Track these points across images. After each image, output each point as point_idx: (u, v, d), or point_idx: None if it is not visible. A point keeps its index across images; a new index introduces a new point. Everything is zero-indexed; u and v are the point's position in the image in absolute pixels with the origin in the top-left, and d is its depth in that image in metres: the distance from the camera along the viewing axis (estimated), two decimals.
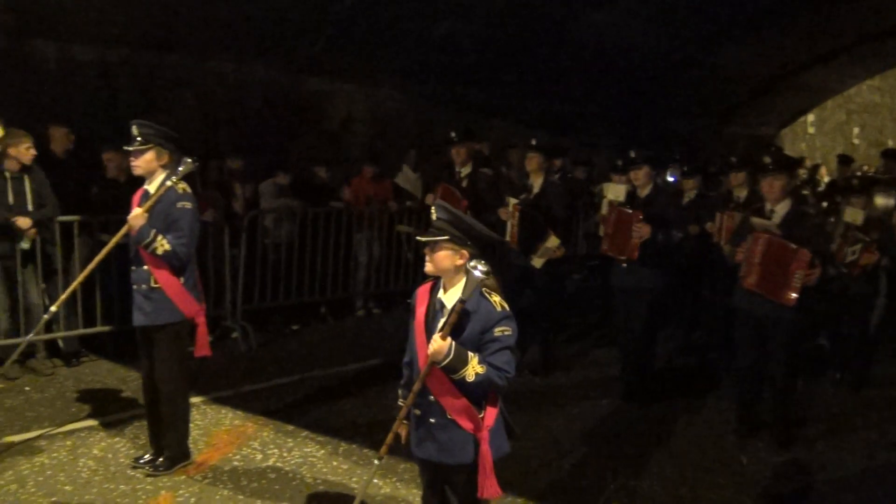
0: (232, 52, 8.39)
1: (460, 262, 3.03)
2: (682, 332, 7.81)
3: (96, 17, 7.31)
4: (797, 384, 5.39)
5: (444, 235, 3.01)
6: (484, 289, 3.04)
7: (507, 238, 6.42)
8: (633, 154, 6.02)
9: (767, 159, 5.11)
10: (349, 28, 8.48)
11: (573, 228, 9.80)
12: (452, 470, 3.09)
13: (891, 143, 19.36)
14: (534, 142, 6.49)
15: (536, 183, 6.46)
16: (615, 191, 6.13)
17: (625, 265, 5.79)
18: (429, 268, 3.11)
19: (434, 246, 3.04)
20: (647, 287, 5.75)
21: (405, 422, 3.18)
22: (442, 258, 3.04)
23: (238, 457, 4.71)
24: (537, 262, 6.29)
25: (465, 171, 6.89)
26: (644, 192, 5.89)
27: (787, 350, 5.07)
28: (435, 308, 3.13)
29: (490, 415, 3.10)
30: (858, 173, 12.18)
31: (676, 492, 4.52)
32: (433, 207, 3.10)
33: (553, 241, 6.22)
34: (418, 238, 3.13)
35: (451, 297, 3.06)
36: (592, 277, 9.70)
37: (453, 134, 6.92)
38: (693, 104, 13.65)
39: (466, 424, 3.04)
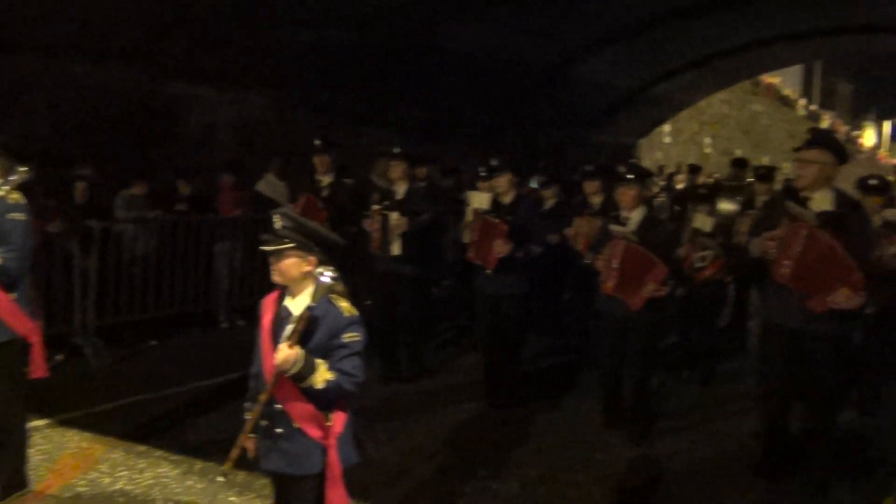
0: (85, 52, 7.96)
1: (308, 269, 3.00)
2: (546, 336, 8.05)
3: None
4: (651, 382, 5.65)
5: (289, 243, 2.97)
6: (332, 295, 3.02)
7: (371, 245, 6.44)
8: (494, 162, 6.15)
9: (622, 169, 5.34)
10: (212, 31, 8.24)
11: (442, 236, 9.93)
12: (300, 481, 3.03)
13: (739, 153, 20.74)
14: (397, 149, 6.52)
15: (400, 190, 6.49)
16: (479, 199, 6.21)
17: (488, 272, 5.90)
18: (276, 277, 3.06)
19: (279, 254, 3.00)
20: (508, 293, 5.88)
21: (252, 435, 3.11)
22: (289, 266, 3.00)
23: (84, 482, 4.44)
24: (395, 247, 6.30)
25: (327, 180, 6.82)
26: (507, 199, 6.01)
27: (643, 350, 5.32)
28: (281, 316, 3.08)
29: (339, 422, 3.07)
30: (710, 181, 12.99)
31: (535, 491, 4.62)
32: (275, 215, 3.05)
33: (393, 217, 6.24)
34: (262, 248, 3.06)
35: (298, 304, 3.01)
36: (460, 284, 9.81)
37: (317, 142, 6.84)
38: (558, 113, 14.13)
39: (314, 433, 3.00)
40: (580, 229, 6.74)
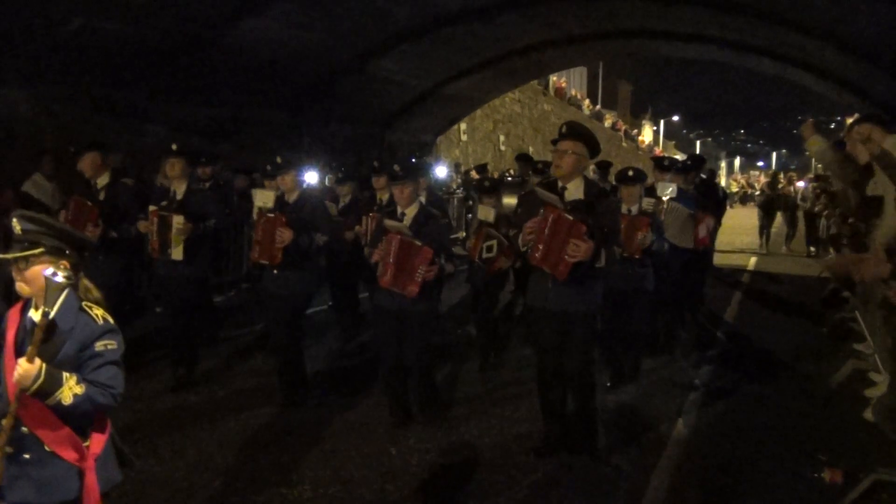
0: None
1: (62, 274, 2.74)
2: (345, 333, 8.01)
3: None
4: (433, 371, 5.77)
5: (37, 248, 2.71)
6: (84, 302, 2.80)
7: (150, 248, 6.10)
8: (279, 159, 6.01)
9: (397, 167, 5.40)
10: None
11: (230, 237, 9.62)
12: None
13: (531, 150, 21.84)
14: (175, 147, 6.20)
15: (180, 189, 6.19)
16: (263, 197, 6.05)
17: (275, 271, 5.76)
18: (24, 289, 2.77)
19: (26, 261, 2.72)
20: (295, 291, 5.78)
21: None
22: (39, 274, 2.72)
23: None
24: (176, 252, 6.00)
25: (103, 181, 6.34)
26: (291, 197, 5.90)
27: (423, 339, 5.43)
28: (26, 328, 2.80)
29: (97, 442, 2.84)
30: (509, 177, 13.49)
31: (328, 492, 4.55)
32: (14, 218, 2.76)
33: (178, 221, 5.97)
34: (1, 257, 2.75)
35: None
36: (255, 286, 9.57)
37: (73, 149, 6.32)
38: (355, 111, 14.12)
39: (69, 455, 2.75)
40: (368, 226, 6.76)
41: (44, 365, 2.62)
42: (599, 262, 4.60)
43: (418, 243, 5.11)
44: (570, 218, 4.44)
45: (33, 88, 8.74)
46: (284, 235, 5.52)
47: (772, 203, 16.94)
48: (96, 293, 2.89)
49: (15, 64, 8.31)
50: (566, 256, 4.42)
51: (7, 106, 8.57)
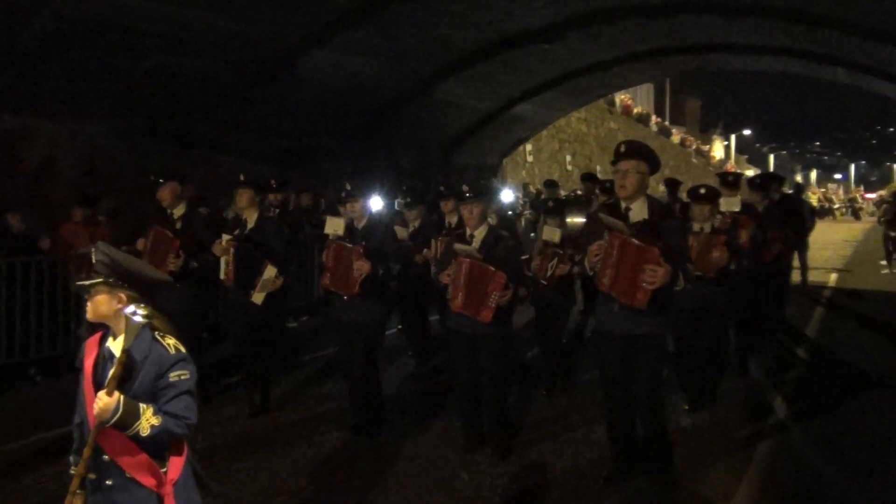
0: None
1: (119, 306, 2.86)
2: (416, 357, 8.03)
3: None
4: (507, 395, 5.70)
5: (98, 279, 2.83)
6: (156, 332, 2.88)
7: (223, 276, 6.25)
8: (348, 186, 6.09)
9: (465, 187, 5.40)
10: (42, 62, 7.76)
11: (299, 262, 9.77)
12: None
13: (598, 169, 21.62)
14: (242, 177, 6.37)
15: (251, 218, 6.34)
16: (333, 224, 6.12)
17: (345, 298, 5.80)
18: (88, 314, 2.90)
19: (91, 290, 2.84)
20: (368, 319, 5.79)
21: (80, 492, 2.89)
22: (99, 303, 2.86)
23: None
24: (257, 297, 6.13)
25: (179, 211, 6.53)
26: (361, 223, 5.96)
27: (498, 364, 5.36)
28: (105, 357, 2.90)
29: (175, 467, 2.90)
30: (572, 195, 13.42)
31: None
32: (94, 249, 2.88)
33: (270, 272, 6.10)
34: (76, 283, 2.89)
35: (120, 344, 2.85)
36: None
37: (153, 177, 6.55)
38: (421, 136, 14.25)
39: (148, 481, 2.82)
40: (437, 249, 6.78)
41: (122, 398, 2.71)
42: (679, 283, 4.46)
43: (491, 268, 5.06)
44: (637, 243, 4.33)
45: (113, 123, 9.12)
46: (363, 268, 5.55)
47: None
48: (165, 323, 2.97)
49: (96, 99, 8.69)
50: (644, 284, 4.26)
51: (89, 140, 8.95)
